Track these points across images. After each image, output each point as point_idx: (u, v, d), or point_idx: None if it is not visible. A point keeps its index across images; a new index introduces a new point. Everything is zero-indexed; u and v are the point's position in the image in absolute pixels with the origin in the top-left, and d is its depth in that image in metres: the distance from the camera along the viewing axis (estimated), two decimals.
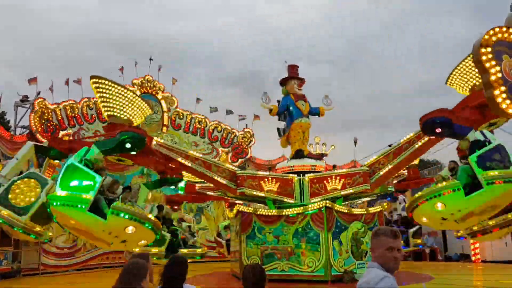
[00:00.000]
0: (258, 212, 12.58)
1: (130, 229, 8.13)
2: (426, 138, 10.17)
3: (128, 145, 9.05)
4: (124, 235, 8.38)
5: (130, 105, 9.52)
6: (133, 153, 9.50)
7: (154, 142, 10.66)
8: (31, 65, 49.05)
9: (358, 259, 12.03)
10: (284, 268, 11.88)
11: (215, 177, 11.90)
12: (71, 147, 10.11)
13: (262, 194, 12.48)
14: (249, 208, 13.12)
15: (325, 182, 12.49)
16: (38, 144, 11.20)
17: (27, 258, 15.43)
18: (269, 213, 12.44)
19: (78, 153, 8.63)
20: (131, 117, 9.70)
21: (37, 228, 9.05)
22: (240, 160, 22.61)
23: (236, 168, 13.33)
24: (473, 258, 18.13)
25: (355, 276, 11.57)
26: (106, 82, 9.52)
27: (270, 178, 12.76)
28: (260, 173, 13.21)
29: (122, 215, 8.02)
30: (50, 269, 15.74)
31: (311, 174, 12.95)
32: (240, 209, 12.95)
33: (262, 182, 12.52)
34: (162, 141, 11.40)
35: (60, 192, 8.12)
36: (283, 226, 12.16)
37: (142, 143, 9.39)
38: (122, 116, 9.59)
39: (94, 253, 17.64)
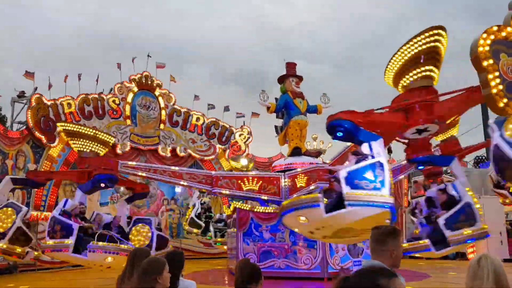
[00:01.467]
0: (255, 210, 12.60)
1: (109, 260, 10.13)
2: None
3: (102, 185, 11.11)
4: (106, 264, 10.46)
5: (94, 140, 11.19)
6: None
7: (119, 165, 11.67)
8: (28, 62, 48.87)
9: (355, 257, 12.07)
10: (280, 265, 11.91)
11: (186, 184, 12.87)
12: (48, 178, 13.34)
13: (241, 194, 12.71)
14: (246, 205, 13.14)
15: (295, 179, 12.60)
16: (14, 177, 12.97)
17: None
18: (266, 210, 12.45)
19: (58, 206, 10.72)
20: (97, 150, 11.33)
21: (18, 250, 10.53)
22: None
23: (215, 172, 13.85)
24: (469, 256, 18.20)
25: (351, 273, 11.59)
26: (72, 126, 11.61)
27: (251, 178, 12.84)
28: (237, 173, 13.50)
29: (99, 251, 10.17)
30: (46, 265, 15.69)
31: (289, 172, 13.03)
32: (237, 206, 12.97)
33: (240, 181, 12.76)
34: (130, 163, 12.70)
35: (48, 240, 10.18)
36: (280, 224, 12.18)
37: (115, 181, 11.37)
38: (89, 150, 11.21)
39: None
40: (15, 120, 18.67)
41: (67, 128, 11.65)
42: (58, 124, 14.57)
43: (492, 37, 5.93)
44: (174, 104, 21.36)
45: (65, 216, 10.26)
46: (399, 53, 7.38)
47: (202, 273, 13.70)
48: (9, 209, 10.64)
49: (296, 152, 14.11)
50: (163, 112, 20.86)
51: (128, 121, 19.78)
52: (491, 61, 5.87)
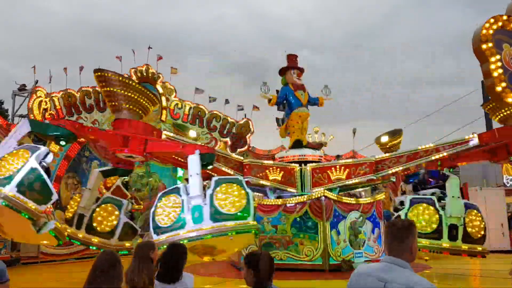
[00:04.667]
0: (257, 202, 12.61)
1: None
2: (444, 154, 10.78)
3: (62, 142, 9.31)
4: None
5: (138, 96, 9.50)
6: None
7: (163, 136, 10.53)
8: (27, 54, 48.82)
9: (356, 249, 12.09)
10: (282, 257, 11.94)
11: (223, 168, 11.84)
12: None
13: (267, 183, 12.61)
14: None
15: (328, 172, 12.57)
16: (103, 169, 11.08)
17: (26, 247, 15.44)
18: (268, 202, 12.46)
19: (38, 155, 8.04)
20: (141, 110, 9.79)
21: (127, 244, 10.43)
22: (238, 150, 22.58)
23: (241, 158, 13.18)
24: None
25: (353, 265, 11.64)
26: (111, 75, 9.42)
27: (274, 167, 12.82)
28: (265, 162, 13.31)
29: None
30: (49, 257, 15.77)
31: (313, 164, 13.01)
32: None
33: (267, 171, 12.65)
34: (171, 134, 11.27)
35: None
36: (281, 216, 12.20)
37: (73, 139, 9.67)
38: (132, 108, 9.59)
39: None
40: (16, 113, 18.68)
41: (104, 74, 9.48)
42: (94, 70, 10.14)
43: (495, 27, 5.88)
44: (175, 97, 21.30)
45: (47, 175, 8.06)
46: None
47: (204, 265, 13.74)
48: (109, 205, 10.27)
49: (297, 144, 14.10)
50: (163, 98, 20.77)
51: None
52: (493, 51, 5.83)
